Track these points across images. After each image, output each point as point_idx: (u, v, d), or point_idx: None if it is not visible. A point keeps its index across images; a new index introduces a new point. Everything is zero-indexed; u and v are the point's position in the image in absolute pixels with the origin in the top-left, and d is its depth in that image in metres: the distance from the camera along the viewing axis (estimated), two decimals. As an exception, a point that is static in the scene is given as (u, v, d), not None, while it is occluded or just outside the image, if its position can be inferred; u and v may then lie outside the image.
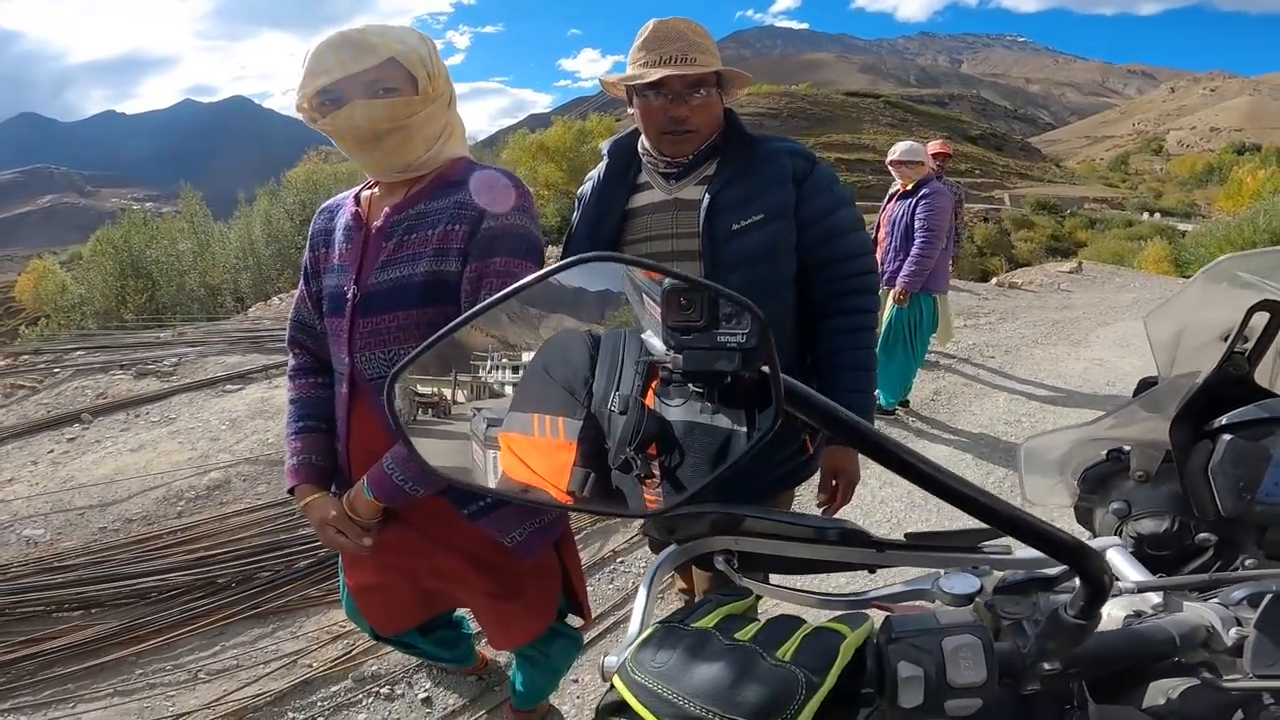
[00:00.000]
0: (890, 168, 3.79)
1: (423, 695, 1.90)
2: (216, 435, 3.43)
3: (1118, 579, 0.55)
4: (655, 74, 1.23)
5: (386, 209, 1.16)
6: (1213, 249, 13.61)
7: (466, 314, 0.43)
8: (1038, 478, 0.80)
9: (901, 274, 3.64)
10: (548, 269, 0.41)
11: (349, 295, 1.14)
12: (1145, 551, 0.67)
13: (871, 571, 0.62)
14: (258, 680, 1.95)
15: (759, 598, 0.52)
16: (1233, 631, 0.45)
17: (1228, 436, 0.63)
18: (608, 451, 0.44)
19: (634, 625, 0.55)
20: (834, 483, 1.40)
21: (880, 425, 3.90)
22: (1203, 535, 0.65)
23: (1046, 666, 0.43)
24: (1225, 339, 0.64)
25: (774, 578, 0.71)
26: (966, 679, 0.40)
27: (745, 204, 1.29)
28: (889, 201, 3.84)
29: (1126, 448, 0.72)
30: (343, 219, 1.21)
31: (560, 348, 0.45)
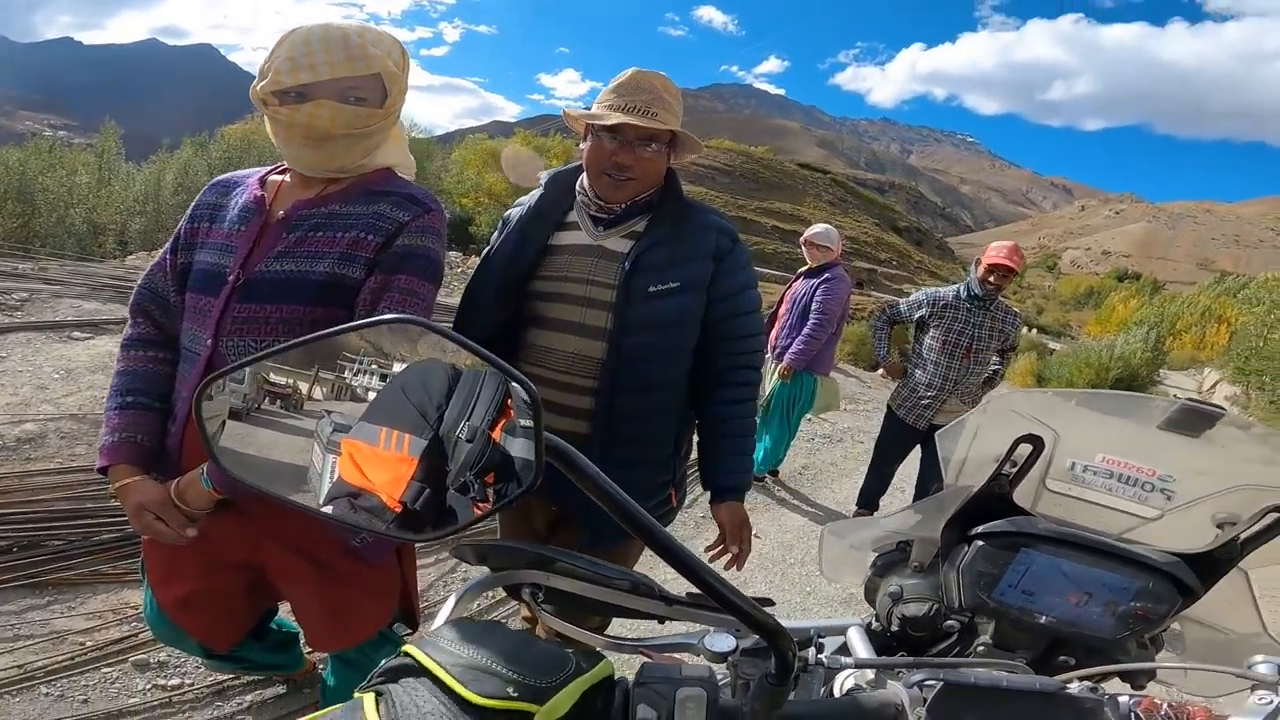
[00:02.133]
0: (802, 246, 4.01)
1: (213, 688, 1.76)
2: (45, 384, 3.15)
3: (848, 655, 0.64)
4: (615, 118, 1.28)
5: (295, 200, 1.14)
6: (1070, 369, 15.01)
7: (291, 342, 0.47)
8: (835, 557, 0.91)
9: (790, 351, 3.83)
10: (357, 323, 0.47)
11: (230, 277, 1.09)
12: (907, 632, 0.76)
13: (661, 622, 0.66)
14: (11, 652, 1.76)
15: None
16: (917, 711, 0.49)
17: (980, 543, 0.73)
18: (448, 473, 0.48)
19: (436, 624, 0.58)
20: (728, 535, 1.44)
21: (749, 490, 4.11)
22: (950, 622, 0.75)
23: None
24: (995, 460, 0.73)
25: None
26: None
27: (666, 269, 1.32)
28: (795, 279, 4.09)
29: (911, 540, 0.83)
30: (241, 198, 1.17)
31: (421, 373, 0.50)
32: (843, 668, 0.58)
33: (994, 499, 0.75)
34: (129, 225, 12.09)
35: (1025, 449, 0.71)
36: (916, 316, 3.39)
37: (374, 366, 0.50)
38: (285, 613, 1.46)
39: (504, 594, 0.68)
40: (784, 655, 0.45)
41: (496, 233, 1.47)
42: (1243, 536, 0.66)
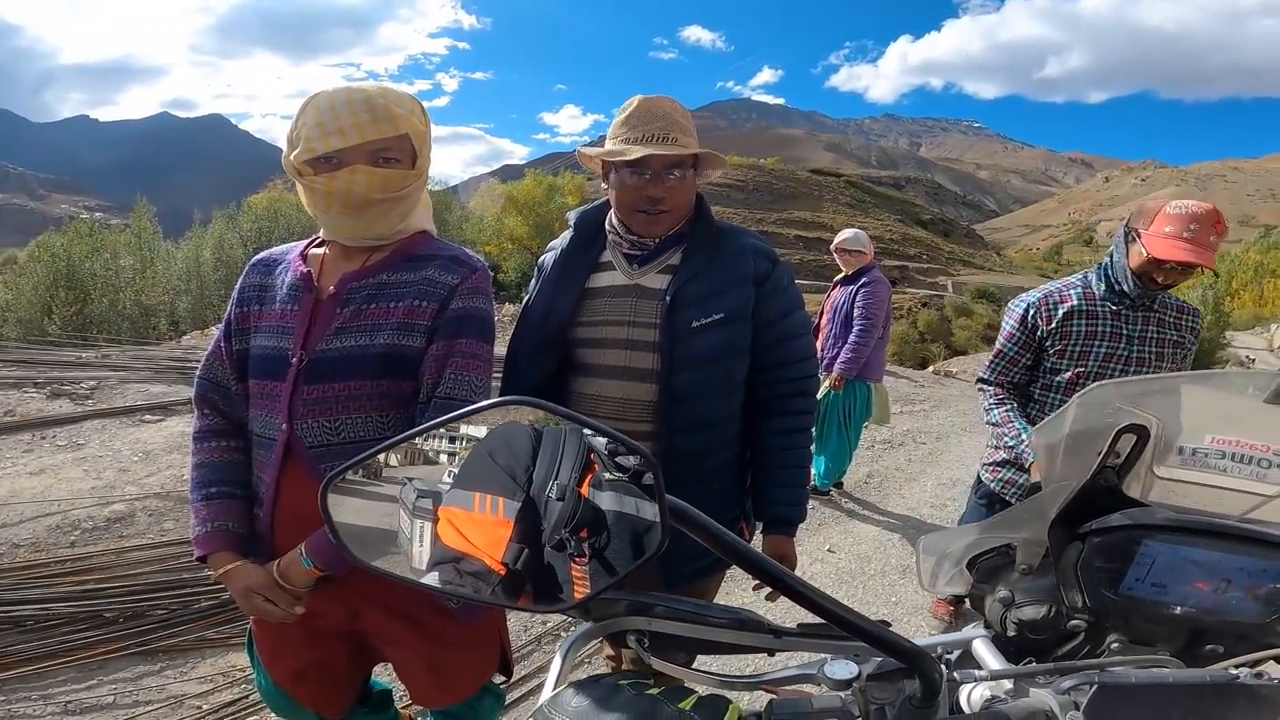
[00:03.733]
0: (834, 254, 3.89)
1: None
2: (126, 466, 3.31)
3: (979, 668, 0.62)
4: (637, 151, 1.22)
5: (343, 274, 1.12)
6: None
7: (411, 431, 0.50)
8: (935, 569, 0.88)
9: (839, 361, 3.73)
10: (475, 407, 0.48)
11: (293, 359, 1.08)
12: (1026, 636, 0.74)
13: (770, 654, 0.65)
14: (134, 718, 1.86)
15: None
16: (1069, 716, 0.47)
17: (1096, 539, 0.70)
18: (543, 531, 0.48)
19: (549, 684, 0.60)
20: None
21: (814, 506, 4.02)
22: (1074, 622, 0.73)
23: None
24: (1098, 454, 0.70)
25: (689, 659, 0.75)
26: None
27: (707, 301, 1.27)
28: (833, 287, 3.95)
29: (1014, 544, 0.80)
30: (287, 277, 1.16)
31: (505, 437, 0.51)
32: (976, 680, 0.56)
33: (1100, 493, 0.72)
34: (177, 304, 12.60)
35: (1129, 439, 0.68)
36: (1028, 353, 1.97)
37: (442, 431, 0.52)
38: (375, 670, 1.48)
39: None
40: (929, 677, 0.45)
41: (533, 281, 1.43)
42: None
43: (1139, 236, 1.76)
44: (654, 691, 0.49)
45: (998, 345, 2.04)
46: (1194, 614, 0.67)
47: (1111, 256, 1.88)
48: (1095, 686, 0.47)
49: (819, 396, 3.97)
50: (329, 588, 1.12)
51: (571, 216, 1.42)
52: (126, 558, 2.55)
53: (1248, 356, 15.49)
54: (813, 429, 1.43)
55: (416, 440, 0.53)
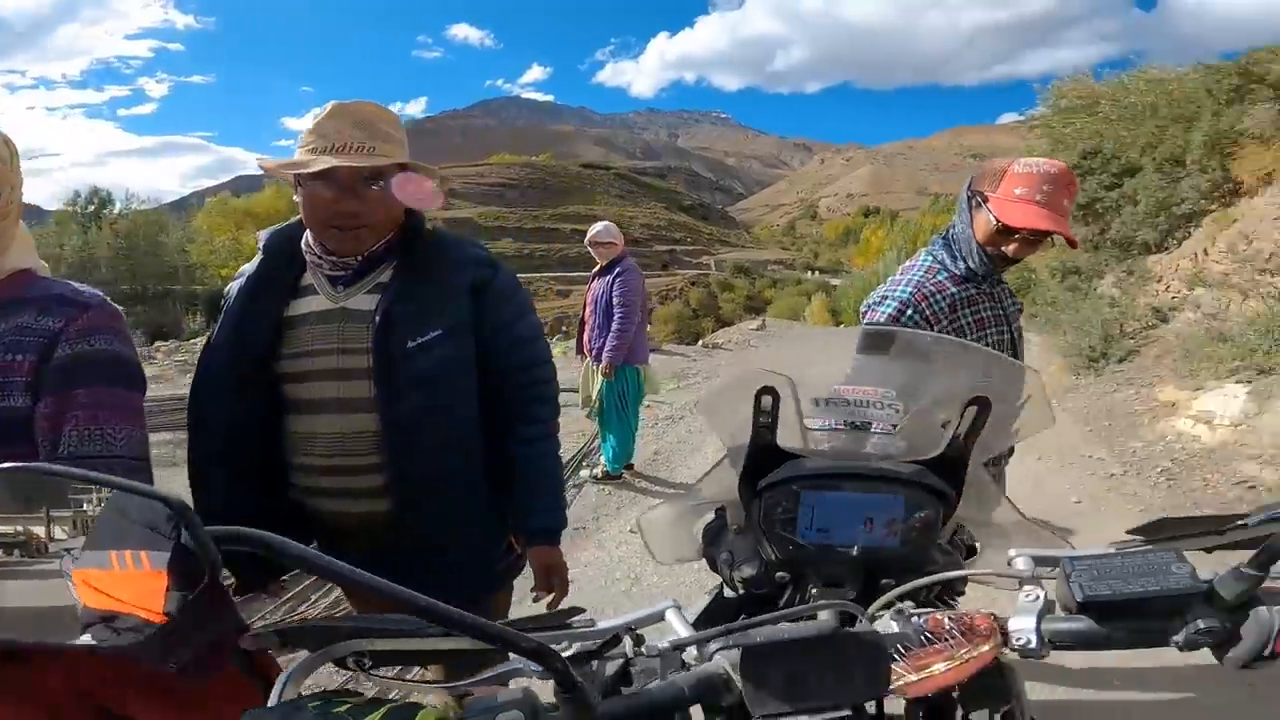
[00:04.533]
0: (589, 248, 4.04)
1: None
2: None
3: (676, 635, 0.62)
4: (320, 163, 1.10)
5: None
6: (853, 298, 17.48)
7: None
8: (662, 541, 0.89)
9: (605, 350, 3.93)
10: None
11: None
12: (752, 592, 0.78)
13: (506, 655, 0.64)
14: None
15: None
16: (739, 678, 0.51)
17: (767, 494, 0.76)
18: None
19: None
20: (548, 578, 1.38)
21: (611, 491, 4.16)
22: (780, 574, 0.76)
23: None
24: (750, 415, 0.75)
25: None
26: None
27: (423, 318, 1.19)
28: (591, 280, 4.13)
29: (725, 506, 0.83)
30: None
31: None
32: (663, 652, 0.59)
33: (766, 450, 0.77)
34: None
35: (767, 399, 0.73)
36: None
37: (84, 496, 0.48)
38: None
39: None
40: (553, 668, 0.46)
41: (221, 314, 1.26)
42: (961, 433, 0.73)
43: (985, 201, 1.51)
44: (342, 709, 0.49)
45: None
46: (859, 554, 0.74)
47: (954, 228, 1.62)
48: (741, 650, 0.51)
49: (594, 388, 4.12)
50: (49, 662, 0.95)
51: (262, 237, 1.28)
52: None
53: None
54: (557, 434, 1.40)
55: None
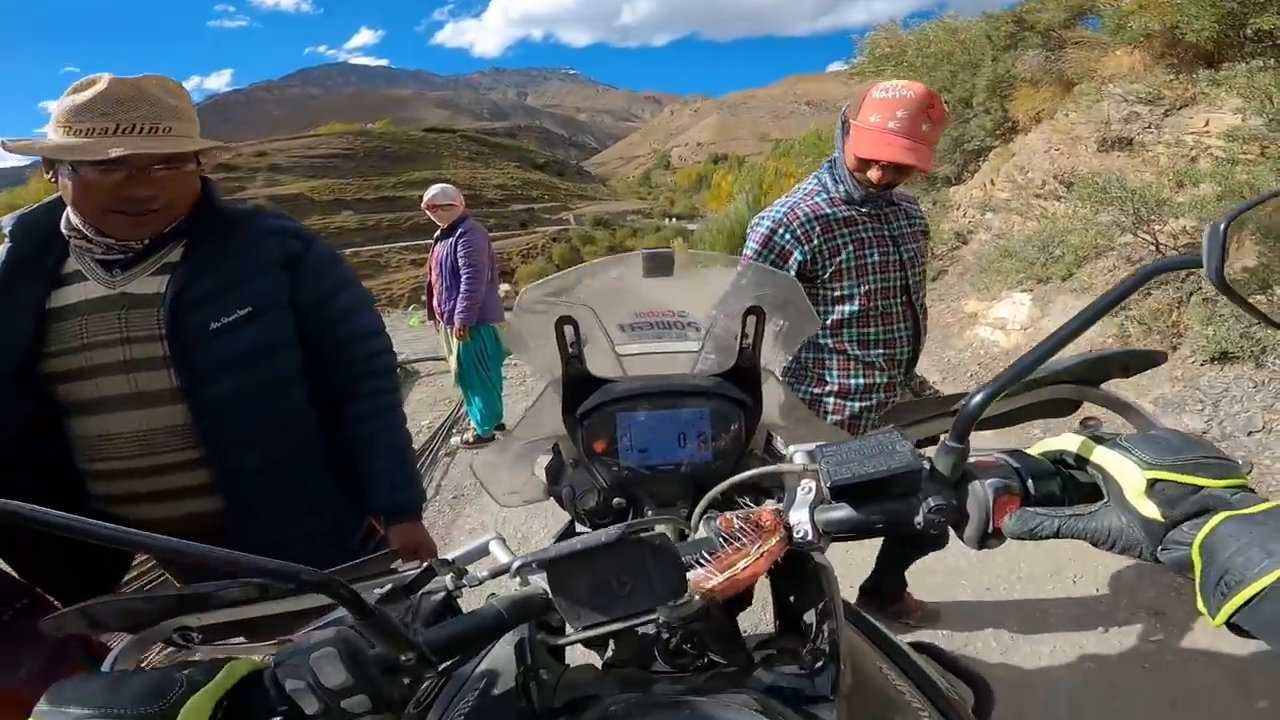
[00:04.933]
0: (427, 211, 3.96)
1: None
2: None
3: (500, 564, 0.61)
4: (118, 150, 0.97)
5: None
6: (710, 241, 18.14)
7: None
8: (502, 485, 0.88)
9: (457, 312, 3.89)
10: None
11: None
12: (596, 523, 0.77)
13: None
14: None
15: None
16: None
17: (586, 421, 0.77)
18: None
19: None
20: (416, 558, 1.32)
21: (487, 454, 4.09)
22: (616, 500, 0.77)
23: (403, 658, 0.49)
24: (557, 348, 0.76)
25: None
26: (334, 681, 0.46)
27: (225, 297, 1.10)
28: (434, 244, 4.06)
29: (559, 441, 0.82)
30: None
31: None
32: (481, 582, 0.61)
33: (580, 379, 0.80)
34: None
35: (569, 330, 0.76)
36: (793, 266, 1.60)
37: None
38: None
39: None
40: (340, 597, 0.47)
41: None
42: (749, 343, 0.80)
43: (849, 129, 1.53)
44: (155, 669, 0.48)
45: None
46: (682, 469, 0.78)
47: (837, 155, 1.61)
48: (547, 565, 0.53)
49: (450, 351, 4.03)
50: None
51: (7, 222, 1.11)
52: None
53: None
54: (400, 407, 1.35)
55: None
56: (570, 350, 0.77)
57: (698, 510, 0.66)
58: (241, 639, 0.64)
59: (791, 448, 0.63)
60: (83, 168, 1.02)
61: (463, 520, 3.39)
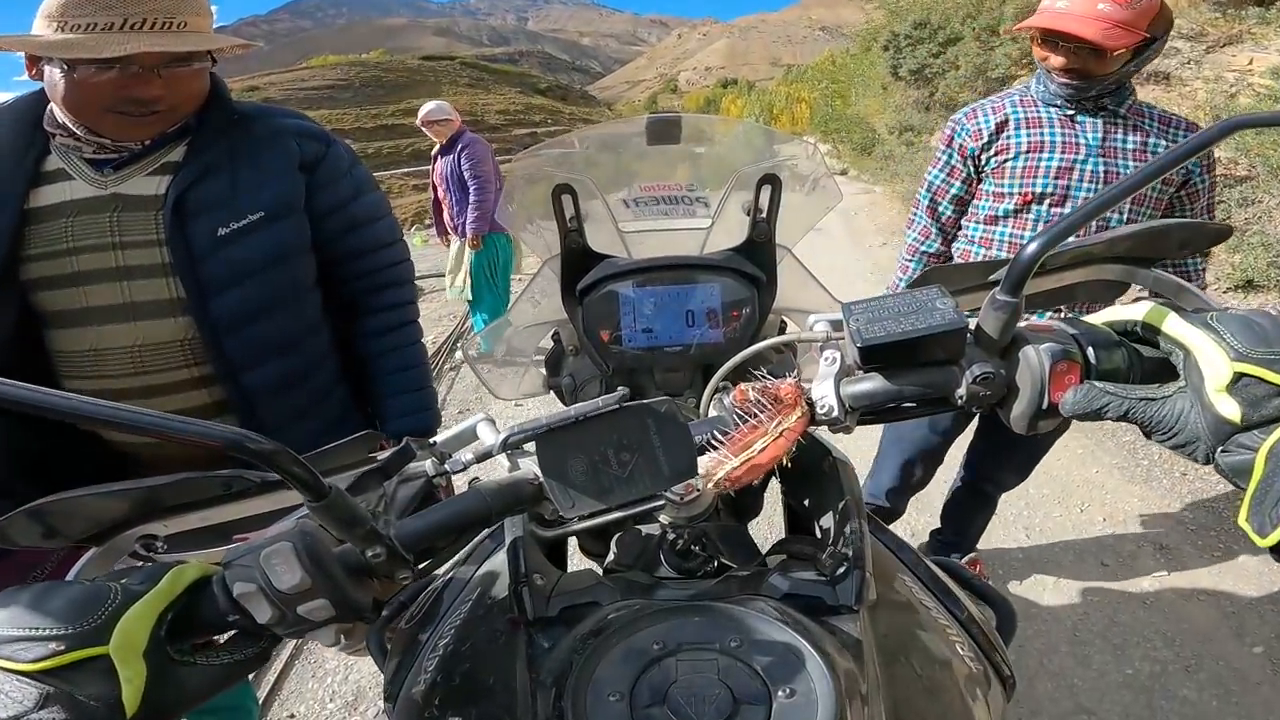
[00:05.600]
0: (424, 129, 3.97)
1: None
2: None
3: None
4: (128, 46, 0.87)
5: None
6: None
7: None
8: (498, 377, 0.83)
9: (468, 222, 3.91)
10: None
11: None
12: None
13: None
14: None
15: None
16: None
17: (587, 300, 0.71)
18: None
19: None
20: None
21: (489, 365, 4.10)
22: (620, 388, 0.68)
23: (370, 554, 0.43)
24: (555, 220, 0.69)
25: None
26: (288, 583, 0.40)
27: (234, 200, 1.01)
28: (434, 162, 4.05)
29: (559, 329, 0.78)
30: None
31: None
32: (465, 466, 0.56)
33: (581, 255, 0.73)
34: None
35: (567, 200, 0.69)
36: (970, 163, 1.58)
37: None
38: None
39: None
40: (290, 474, 0.39)
41: None
42: (763, 215, 0.73)
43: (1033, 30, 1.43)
44: (89, 580, 0.42)
45: (925, 176, 1.66)
46: (692, 351, 0.73)
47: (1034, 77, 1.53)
48: (536, 439, 0.47)
49: (463, 264, 3.98)
50: None
51: None
52: None
53: (793, 161, 20.31)
54: (417, 320, 1.28)
55: None
56: (569, 224, 0.71)
57: (707, 391, 0.62)
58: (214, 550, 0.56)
59: (812, 317, 0.57)
60: (79, 67, 0.91)
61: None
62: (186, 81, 0.98)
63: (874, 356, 0.49)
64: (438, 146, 4.02)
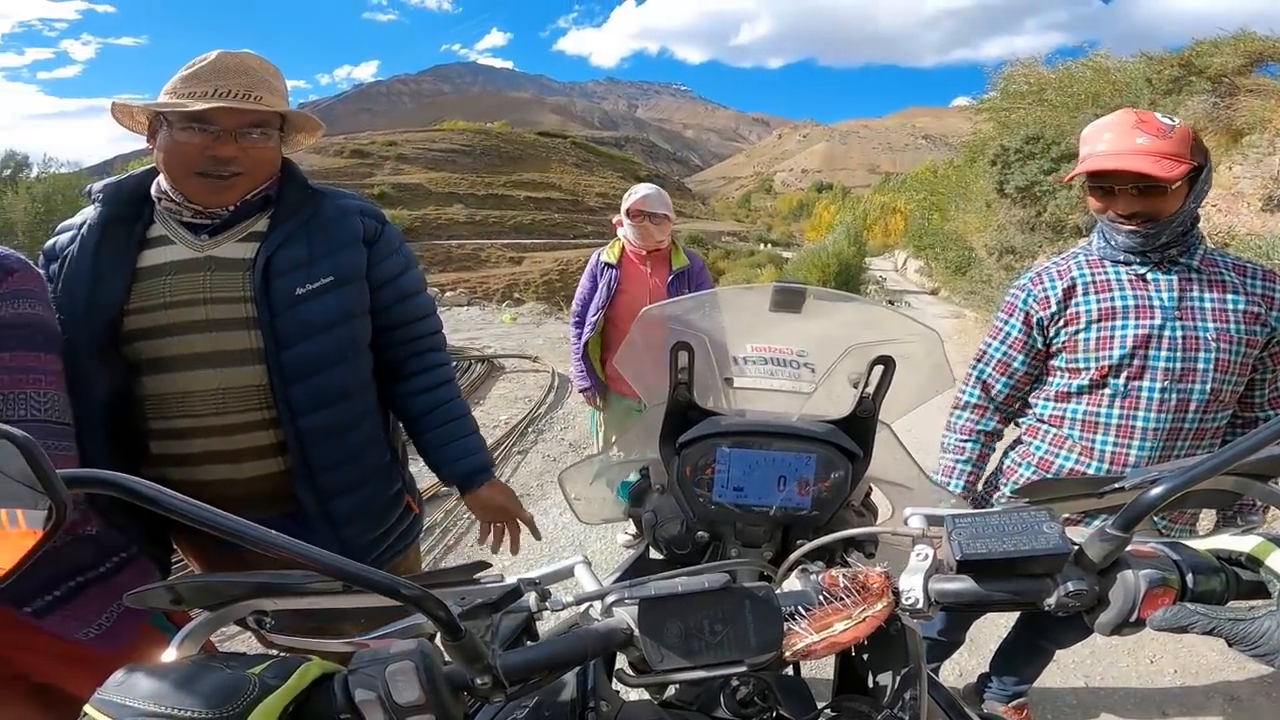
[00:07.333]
0: (629, 222, 2.53)
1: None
2: None
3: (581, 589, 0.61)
4: (200, 104, 1.06)
5: None
6: (803, 273, 17.72)
7: None
8: (584, 500, 0.88)
9: None
10: None
11: None
12: (674, 552, 0.77)
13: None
14: None
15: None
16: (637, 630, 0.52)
17: (685, 451, 0.75)
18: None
19: None
20: (497, 525, 1.40)
21: (554, 457, 4.09)
22: (700, 533, 0.76)
23: (478, 681, 0.48)
24: (668, 372, 0.75)
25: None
26: (405, 698, 0.45)
27: (311, 265, 1.16)
28: (611, 268, 2.60)
29: (649, 466, 0.82)
30: None
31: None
32: (565, 606, 0.60)
33: (686, 407, 0.77)
34: None
35: (683, 355, 0.73)
36: (1037, 335, 1.44)
37: None
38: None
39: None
40: (435, 616, 0.46)
41: (60, 272, 1.14)
42: (869, 393, 0.75)
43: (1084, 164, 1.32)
44: (230, 664, 0.48)
45: (980, 345, 1.51)
46: (773, 512, 0.75)
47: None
48: (639, 602, 0.52)
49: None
50: None
51: (95, 188, 1.19)
52: None
53: (880, 276, 20.03)
54: (455, 380, 1.41)
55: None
56: (679, 377, 0.75)
57: (792, 559, 0.65)
58: (313, 627, 0.63)
59: (909, 510, 0.59)
60: (175, 129, 1.10)
61: (533, 509, 3.43)
62: (258, 148, 1.14)
63: (970, 568, 0.51)
64: (643, 249, 2.57)
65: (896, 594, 0.54)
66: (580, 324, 2.73)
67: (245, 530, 0.42)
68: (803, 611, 0.53)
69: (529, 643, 0.56)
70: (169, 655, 0.56)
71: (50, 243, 1.20)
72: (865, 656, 0.67)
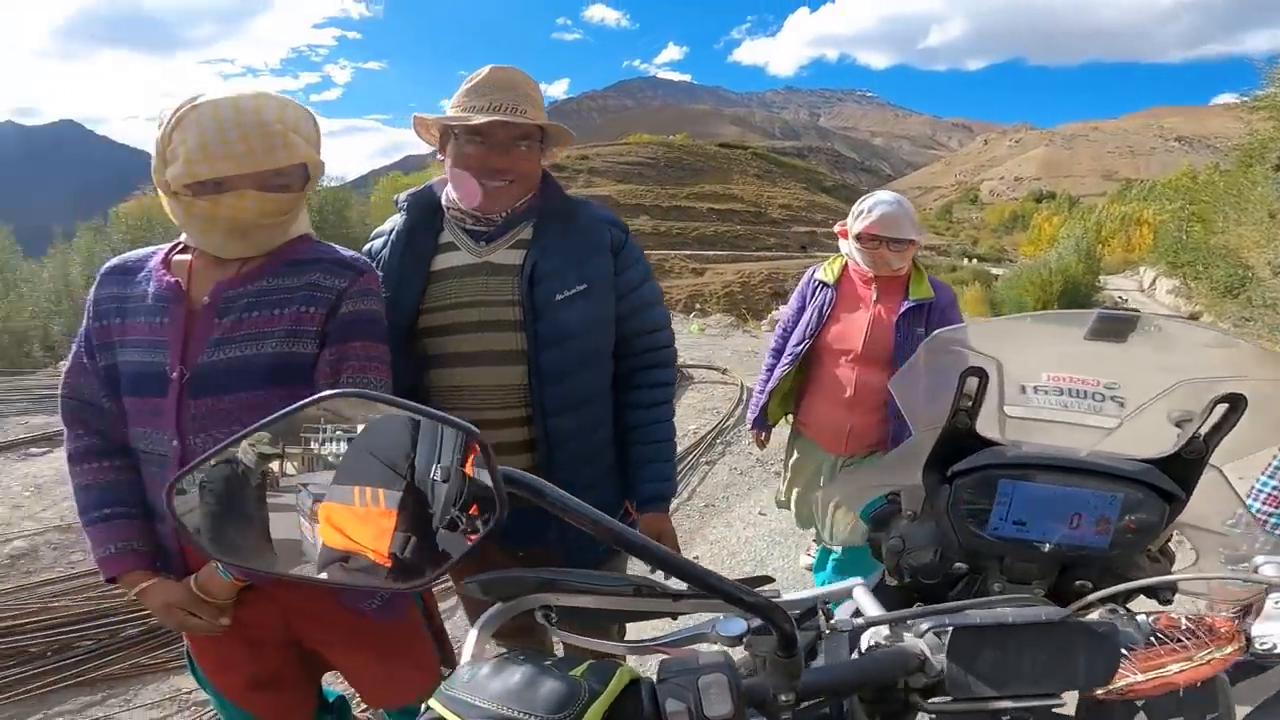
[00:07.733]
0: (859, 248, 2.01)
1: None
2: (19, 503, 3.18)
3: (860, 615, 0.65)
4: (481, 118, 1.18)
5: (217, 283, 1.07)
6: (1018, 291, 15.64)
7: (257, 425, 0.49)
8: (822, 521, 0.92)
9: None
10: (298, 405, 0.49)
11: (173, 374, 1.04)
12: (920, 581, 0.77)
13: (673, 618, 0.69)
14: None
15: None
16: (939, 657, 0.52)
17: (959, 481, 0.74)
18: (433, 515, 0.50)
19: (462, 663, 0.59)
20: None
21: (743, 471, 4.10)
22: (957, 565, 0.75)
23: (782, 698, 0.50)
24: (951, 398, 0.73)
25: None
26: (716, 711, 0.46)
27: (567, 272, 1.24)
28: (827, 291, 2.08)
29: (900, 491, 0.83)
30: (149, 287, 1.09)
31: (381, 431, 0.52)
32: (857, 629, 0.60)
33: (962, 435, 0.74)
34: (49, 327, 11.42)
35: (973, 381, 0.70)
36: None
37: (338, 433, 0.52)
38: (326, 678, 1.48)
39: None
40: (782, 629, 0.47)
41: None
42: (1203, 432, 0.66)
43: None
44: (548, 663, 0.51)
45: None
46: (1057, 549, 0.70)
47: None
48: (952, 629, 0.51)
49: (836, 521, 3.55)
50: (257, 597, 1.11)
51: (401, 198, 1.36)
52: (39, 592, 2.48)
53: (1120, 297, 17.11)
54: (673, 401, 1.44)
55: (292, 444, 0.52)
56: (962, 403, 0.72)
57: (1088, 599, 0.60)
58: (580, 625, 0.68)
59: (1260, 559, 0.59)
60: (460, 139, 1.22)
61: (707, 530, 3.48)
62: (523, 159, 1.24)
63: None
64: (876, 274, 2.00)
65: (1249, 639, 0.53)
66: (779, 352, 2.19)
67: (632, 539, 0.47)
68: (1126, 651, 0.54)
69: (810, 663, 0.57)
70: (470, 643, 0.62)
71: (367, 246, 1.36)
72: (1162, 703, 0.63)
